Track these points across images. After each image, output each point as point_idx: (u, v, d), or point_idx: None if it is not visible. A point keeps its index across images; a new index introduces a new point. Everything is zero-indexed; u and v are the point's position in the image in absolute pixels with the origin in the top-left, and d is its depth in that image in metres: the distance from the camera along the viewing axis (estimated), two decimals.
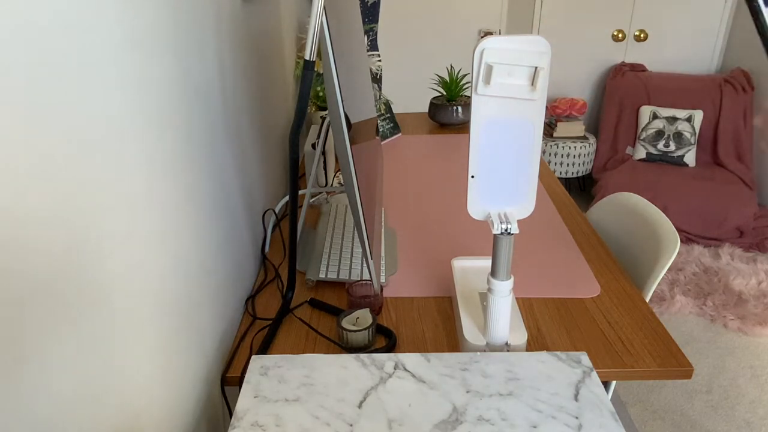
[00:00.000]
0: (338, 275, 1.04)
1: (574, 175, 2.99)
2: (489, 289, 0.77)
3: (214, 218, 0.85)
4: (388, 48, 2.93)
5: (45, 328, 0.44)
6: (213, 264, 0.84)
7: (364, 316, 0.90)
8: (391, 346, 0.88)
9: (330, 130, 1.33)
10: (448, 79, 1.94)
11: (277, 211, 1.25)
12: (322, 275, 1.04)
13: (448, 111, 1.93)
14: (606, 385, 0.91)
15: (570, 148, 2.91)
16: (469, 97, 0.63)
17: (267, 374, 0.72)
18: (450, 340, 0.91)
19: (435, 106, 1.96)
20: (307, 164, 1.28)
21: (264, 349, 0.88)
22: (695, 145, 2.79)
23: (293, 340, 0.91)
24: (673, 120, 2.81)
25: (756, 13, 0.50)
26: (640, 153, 2.88)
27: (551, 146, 2.93)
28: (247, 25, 1.12)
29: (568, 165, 2.95)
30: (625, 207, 1.30)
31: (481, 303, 0.88)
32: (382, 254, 1.13)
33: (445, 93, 1.98)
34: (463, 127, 1.96)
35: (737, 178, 2.63)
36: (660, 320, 0.93)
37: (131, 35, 0.59)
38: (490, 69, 0.64)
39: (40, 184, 0.43)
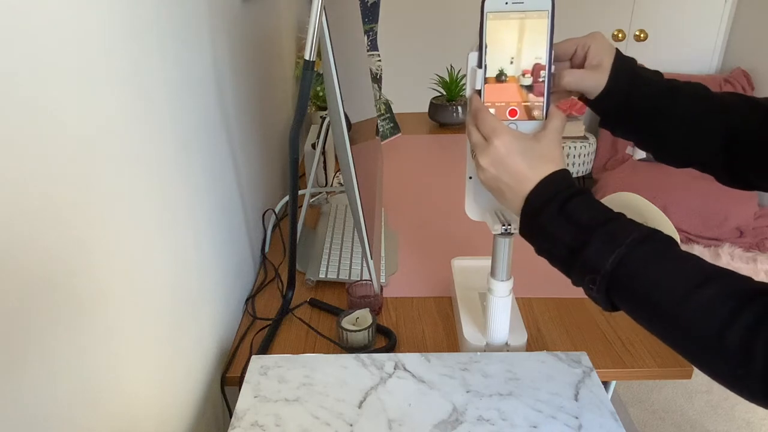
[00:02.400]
0: (338, 275, 1.04)
1: (575, 175, 2.98)
2: (489, 290, 0.77)
3: (214, 218, 0.85)
4: (388, 48, 2.93)
5: (44, 328, 0.44)
6: (213, 264, 0.84)
7: (364, 316, 0.90)
8: (391, 346, 0.88)
9: (330, 130, 1.33)
10: (448, 79, 1.94)
11: (277, 211, 1.25)
12: (322, 275, 1.04)
13: (448, 111, 1.93)
14: (606, 385, 0.91)
15: (570, 148, 2.91)
16: None
17: (267, 374, 0.72)
18: (450, 340, 0.91)
19: (435, 106, 1.96)
20: (307, 164, 1.28)
21: (264, 349, 0.88)
22: None
23: (293, 340, 0.91)
24: None
25: None
26: (640, 153, 2.88)
27: None
28: (247, 24, 1.12)
29: (568, 165, 2.95)
30: (626, 206, 1.30)
31: (481, 303, 0.88)
32: (382, 254, 1.13)
33: (445, 93, 1.98)
34: (463, 127, 1.96)
35: None
36: None
37: (131, 35, 0.59)
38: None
39: (40, 184, 0.43)
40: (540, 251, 0.59)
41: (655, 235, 0.53)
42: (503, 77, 0.62)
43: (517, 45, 0.60)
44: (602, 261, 0.52)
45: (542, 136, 0.60)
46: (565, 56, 0.66)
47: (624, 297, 0.53)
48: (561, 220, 0.55)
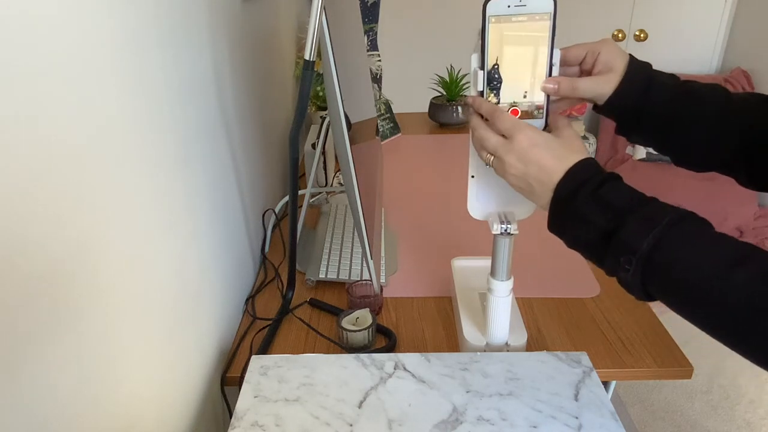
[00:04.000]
0: (338, 275, 1.04)
1: None
2: (489, 289, 0.77)
3: (214, 218, 0.85)
4: (388, 48, 2.93)
5: (44, 328, 0.44)
6: (212, 264, 0.84)
7: (364, 316, 0.90)
8: (391, 346, 0.88)
9: (330, 130, 1.33)
10: (448, 79, 1.94)
11: (277, 211, 1.25)
12: (322, 275, 1.04)
13: (448, 111, 1.93)
14: (606, 385, 0.91)
15: None
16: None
17: (267, 374, 0.72)
18: (450, 340, 0.90)
19: (435, 106, 1.96)
20: (307, 164, 1.28)
21: (264, 349, 0.88)
22: None
23: (293, 340, 0.91)
24: None
25: None
26: (640, 153, 2.88)
27: None
28: (247, 24, 1.12)
29: None
30: None
31: (481, 303, 0.88)
32: (382, 254, 1.13)
33: (445, 93, 1.97)
34: (463, 127, 1.96)
35: None
36: (660, 320, 0.93)
37: (131, 36, 0.59)
38: None
39: (40, 185, 0.43)
40: (572, 241, 0.58)
41: (691, 216, 0.52)
42: (506, 79, 0.62)
43: (520, 47, 0.61)
44: (638, 242, 0.51)
45: (559, 132, 0.60)
46: (574, 61, 0.65)
47: (660, 280, 0.51)
48: (594, 205, 0.55)
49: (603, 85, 0.63)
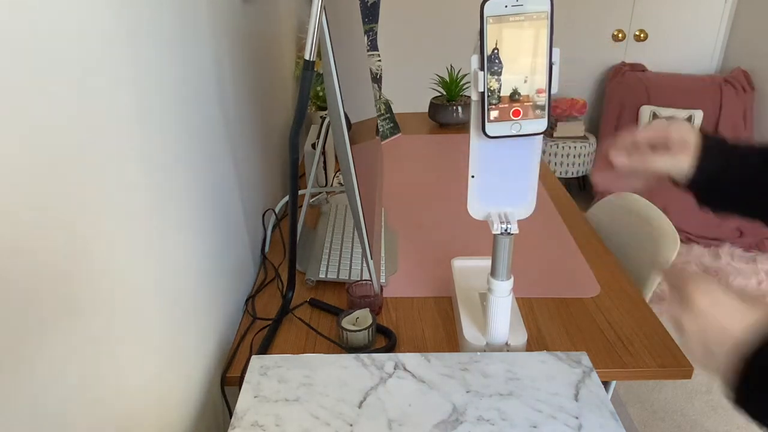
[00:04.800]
0: (338, 275, 1.04)
1: (574, 175, 2.99)
2: (489, 289, 0.77)
3: (214, 218, 0.85)
4: (388, 48, 2.93)
5: (44, 328, 0.44)
6: (213, 264, 0.84)
7: (364, 316, 0.90)
8: (391, 346, 0.88)
9: (330, 130, 1.33)
10: (448, 79, 1.94)
11: (277, 211, 1.25)
12: (322, 275, 1.04)
13: (448, 111, 1.93)
14: (606, 385, 0.91)
15: (570, 148, 2.91)
16: (469, 97, 0.64)
17: (267, 374, 0.72)
18: (450, 340, 0.91)
19: (435, 106, 1.96)
20: (307, 164, 1.28)
21: (264, 349, 0.88)
22: None
23: (293, 340, 0.91)
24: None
25: None
26: None
27: (551, 146, 2.93)
28: (247, 25, 1.12)
29: (568, 165, 2.95)
30: (625, 207, 1.30)
31: (481, 303, 0.88)
32: (382, 254, 1.13)
33: (445, 93, 1.98)
34: (463, 126, 1.96)
35: None
36: (660, 320, 0.93)
37: (131, 36, 0.59)
38: None
39: (40, 185, 0.43)
40: None
41: None
42: (506, 80, 0.62)
43: (518, 47, 0.61)
44: None
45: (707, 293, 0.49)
46: (646, 144, 0.65)
47: None
48: None
49: (681, 162, 0.63)
